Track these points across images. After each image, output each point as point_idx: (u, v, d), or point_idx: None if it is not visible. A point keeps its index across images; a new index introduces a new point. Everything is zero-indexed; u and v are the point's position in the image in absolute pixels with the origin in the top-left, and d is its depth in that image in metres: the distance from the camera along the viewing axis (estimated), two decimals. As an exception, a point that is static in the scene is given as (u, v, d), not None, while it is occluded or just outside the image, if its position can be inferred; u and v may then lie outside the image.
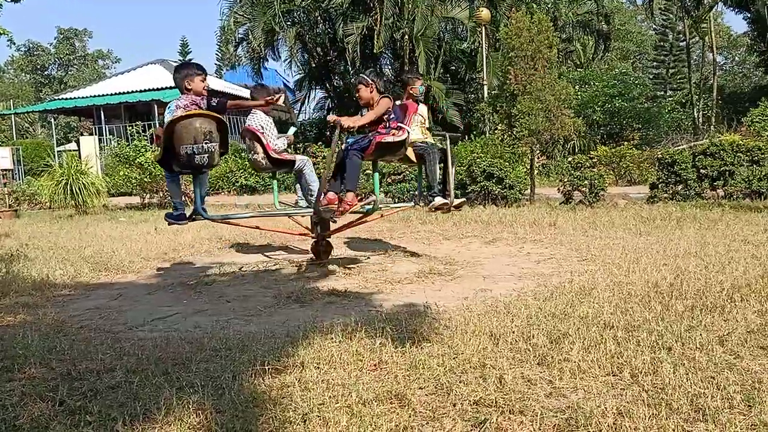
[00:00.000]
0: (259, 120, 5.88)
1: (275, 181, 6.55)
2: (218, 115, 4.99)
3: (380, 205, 6.12)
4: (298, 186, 6.39)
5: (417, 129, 6.16)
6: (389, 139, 5.63)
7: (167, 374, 2.96)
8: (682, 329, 3.28)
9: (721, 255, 5.39)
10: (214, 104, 5.08)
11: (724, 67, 46.82)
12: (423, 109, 6.38)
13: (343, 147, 5.81)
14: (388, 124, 5.68)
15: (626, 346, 3.06)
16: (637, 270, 4.92)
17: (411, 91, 6.22)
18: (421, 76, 6.62)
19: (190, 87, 5.08)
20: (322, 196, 5.43)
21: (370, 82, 5.84)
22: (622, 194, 11.78)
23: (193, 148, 4.80)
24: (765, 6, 24.71)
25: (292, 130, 6.39)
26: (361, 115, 5.75)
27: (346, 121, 5.43)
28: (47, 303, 4.81)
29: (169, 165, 5.18)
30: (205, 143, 4.83)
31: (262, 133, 5.84)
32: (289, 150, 6.54)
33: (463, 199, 6.37)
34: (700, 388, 2.54)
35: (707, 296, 3.96)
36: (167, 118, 4.97)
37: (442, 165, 6.14)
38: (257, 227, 6.58)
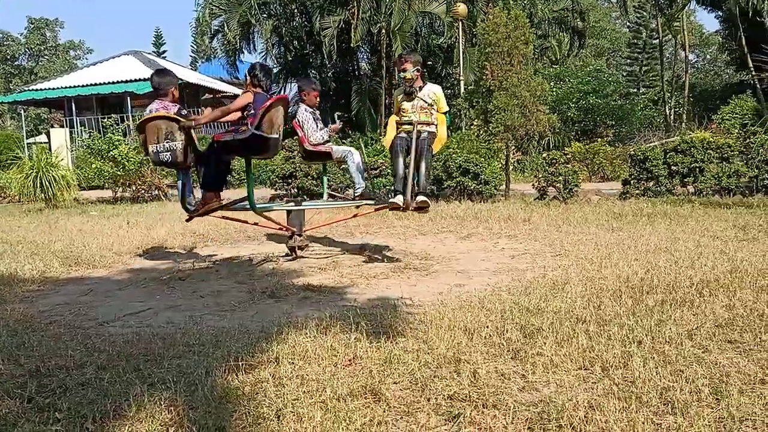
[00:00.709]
0: (299, 113, 6.17)
1: (325, 177, 6.90)
2: (180, 118, 5.37)
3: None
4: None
5: (413, 115, 5.71)
6: (227, 138, 5.38)
7: (138, 370, 2.93)
8: (652, 323, 3.33)
9: (690, 250, 5.49)
10: (182, 114, 5.49)
11: (696, 65, 47.57)
12: (429, 90, 5.82)
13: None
14: (245, 121, 5.37)
15: (598, 340, 3.10)
16: (609, 265, 4.99)
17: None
18: (411, 55, 5.90)
19: (169, 93, 5.64)
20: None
21: (249, 77, 5.57)
22: (595, 190, 11.94)
23: (157, 146, 5.33)
24: (736, 5, 25.14)
25: (338, 121, 6.80)
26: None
27: (187, 121, 5.36)
28: (15, 298, 4.72)
29: None
30: (167, 142, 5.32)
31: (301, 126, 6.11)
32: (332, 140, 6.58)
33: (423, 199, 5.53)
34: (669, 381, 2.59)
35: (677, 291, 4.03)
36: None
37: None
38: (224, 217, 6.56)
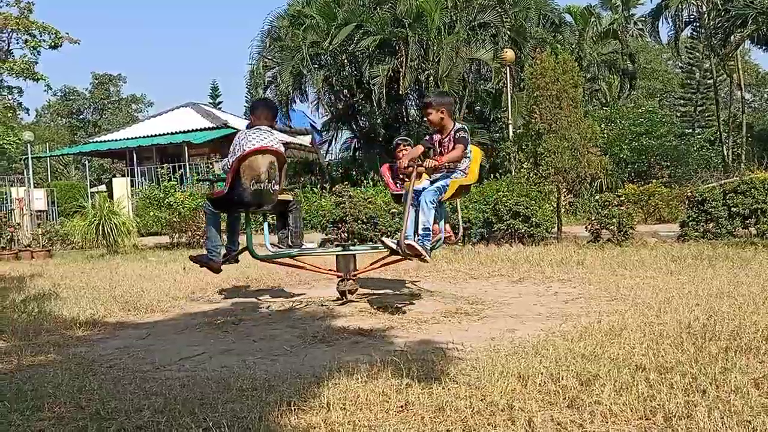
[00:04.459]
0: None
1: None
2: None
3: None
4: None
5: None
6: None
7: (194, 414, 2.97)
8: (717, 371, 3.19)
9: (755, 295, 5.26)
10: None
11: (752, 104, 46.40)
12: None
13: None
14: None
15: (659, 389, 2.98)
16: (668, 310, 4.82)
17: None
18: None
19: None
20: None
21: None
22: (651, 232, 11.63)
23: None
24: (793, 43, 24.58)
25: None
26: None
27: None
28: (77, 342, 4.88)
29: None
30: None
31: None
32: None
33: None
34: (736, 433, 2.47)
35: (742, 337, 3.86)
36: None
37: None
38: (291, 265, 6.65)
